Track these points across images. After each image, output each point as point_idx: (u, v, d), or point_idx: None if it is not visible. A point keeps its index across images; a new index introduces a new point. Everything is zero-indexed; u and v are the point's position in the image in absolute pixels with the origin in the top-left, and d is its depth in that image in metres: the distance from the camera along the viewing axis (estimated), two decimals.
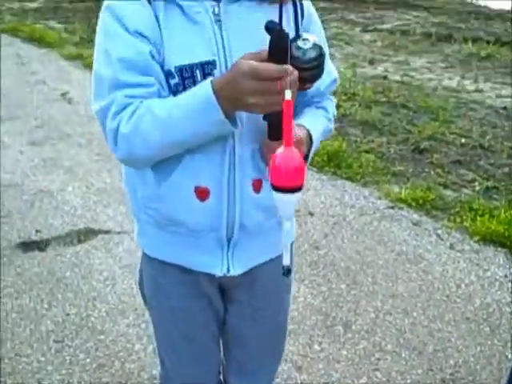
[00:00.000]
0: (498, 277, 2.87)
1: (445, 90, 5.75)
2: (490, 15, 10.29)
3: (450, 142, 4.43)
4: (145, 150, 1.11)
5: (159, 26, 1.13)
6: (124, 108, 1.10)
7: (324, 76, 1.18)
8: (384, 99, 5.34)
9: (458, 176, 3.93)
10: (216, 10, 1.15)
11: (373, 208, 3.49)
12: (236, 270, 1.26)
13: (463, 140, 4.45)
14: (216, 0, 1.16)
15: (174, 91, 1.13)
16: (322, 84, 1.25)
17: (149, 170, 1.19)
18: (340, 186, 3.74)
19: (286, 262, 0.98)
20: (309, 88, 1.12)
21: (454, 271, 2.91)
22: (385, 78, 6.09)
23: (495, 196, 3.69)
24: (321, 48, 1.05)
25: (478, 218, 3.32)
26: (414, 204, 3.54)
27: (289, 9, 1.21)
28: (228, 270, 1.25)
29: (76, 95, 5.49)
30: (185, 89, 1.12)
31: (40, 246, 3.10)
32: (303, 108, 1.28)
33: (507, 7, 11.50)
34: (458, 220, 3.37)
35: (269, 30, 1.01)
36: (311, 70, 1.04)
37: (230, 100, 1.04)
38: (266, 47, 1.02)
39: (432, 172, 3.98)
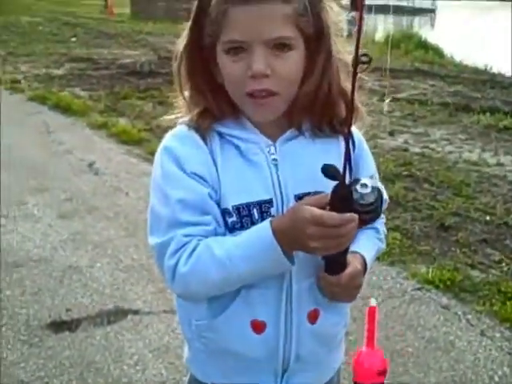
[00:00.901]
0: None
1: (466, 164, 5.80)
2: (504, 83, 10.43)
3: (475, 219, 4.45)
4: (203, 288, 1.15)
5: (216, 166, 1.18)
6: (182, 246, 1.14)
7: None
8: (406, 173, 5.39)
9: (484, 256, 3.93)
10: (272, 149, 1.21)
11: (401, 290, 3.48)
12: None
13: (488, 217, 4.47)
14: (271, 139, 1.22)
15: (231, 228, 1.18)
16: None
17: (204, 302, 1.21)
18: None
19: None
20: (365, 227, 1.17)
21: (485, 361, 2.88)
22: (405, 150, 6.17)
23: None
24: (379, 191, 1.09)
25: (508, 303, 3.31)
26: (441, 286, 3.52)
27: (340, 140, 1.26)
28: None
29: (102, 166, 5.60)
30: (242, 226, 1.17)
31: (70, 326, 3.11)
32: None
33: None
34: (488, 303, 3.35)
35: (325, 173, 1.07)
36: (370, 213, 1.08)
37: (290, 242, 1.09)
38: (327, 193, 1.07)
39: (458, 251, 3.98)
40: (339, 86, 1.20)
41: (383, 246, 1.40)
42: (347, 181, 1.10)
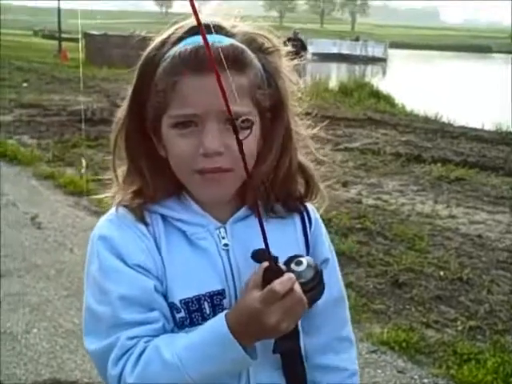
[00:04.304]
0: None
1: (419, 216, 5.78)
2: (454, 133, 10.64)
3: (429, 275, 4.38)
4: None
5: (161, 255, 1.05)
6: (127, 351, 0.99)
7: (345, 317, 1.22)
8: (360, 226, 5.33)
9: (439, 314, 3.84)
10: (222, 232, 1.09)
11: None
12: None
13: (442, 273, 4.40)
14: (220, 221, 1.10)
15: (179, 324, 1.04)
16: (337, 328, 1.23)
17: None
18: None
19: None
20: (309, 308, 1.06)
21: None
22: (359, 202, 6.13)
23: (479, 337, 3.59)
24: (316, 267, 1.02)
25: (464, 366, 3.21)
26: (397, 347, 3.41)
27: (295, 219, 1.17)
28: None
29: (45, 220, 5.36)
30: (192, 323, 1.04)
31: None
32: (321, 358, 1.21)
33: (470, 124, 12.00)
34: (444, 366, 3.24)
35: (256, 259, 1.01)
36: (311, 291, 1.01)
37: (249, 335, 0.98)
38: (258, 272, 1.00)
39: (413, 309, 3.89)
40: (297, 160, 1.12)
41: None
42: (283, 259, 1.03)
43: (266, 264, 0.99)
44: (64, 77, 17.59)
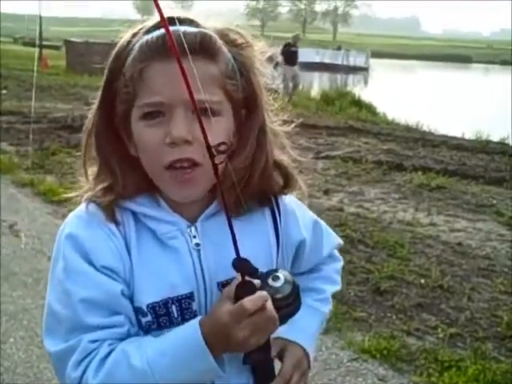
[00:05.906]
0: None
1: (400, 224, 5.79)
2: (435, 142, 10.71)
3: (410, 282, 4.38)
4: None
5: (130, 256, 1.01)
6: (89, 354, 0.95)
7: (325, 243, 1.25)
8: (341, 234, 5.31)
9: (420, 322, 3.83)
10: (193, 231, 1.05)
11: (337, 361, 3.33)
12: None
13: (422, 280, 4.41)
14: (190, 218, 1.06)
15: (146, 328, 1.01)
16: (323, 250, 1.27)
17: None
18: None
19: None
20: (284, 324, 1.04)
21: None
22: (340, 210, 6.12)
23: (459, 344, 3.59)
24: (293, 283, 1.01)
25: (445, 373, 3.20)
26: (378, 355, 3.39)
27: (265, 213, 1.14)
28: None
29: (24, 227, 5.29)
30: (159, 327, 1.00)
31: None
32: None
33: (450, 133, 12.10)
34: (425, 374, 3.24)
35: (236, 267, 0.99)
36: (286, 307, 1.00)
37: (220, 346, 0.96)
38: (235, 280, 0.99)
39: (394, 317, 3.88)
40: (273, 158, 1.09)
41: (329, 307, 1.29)
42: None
43: (238, 280, 0.96)
44: (44, 84, 17.42)
